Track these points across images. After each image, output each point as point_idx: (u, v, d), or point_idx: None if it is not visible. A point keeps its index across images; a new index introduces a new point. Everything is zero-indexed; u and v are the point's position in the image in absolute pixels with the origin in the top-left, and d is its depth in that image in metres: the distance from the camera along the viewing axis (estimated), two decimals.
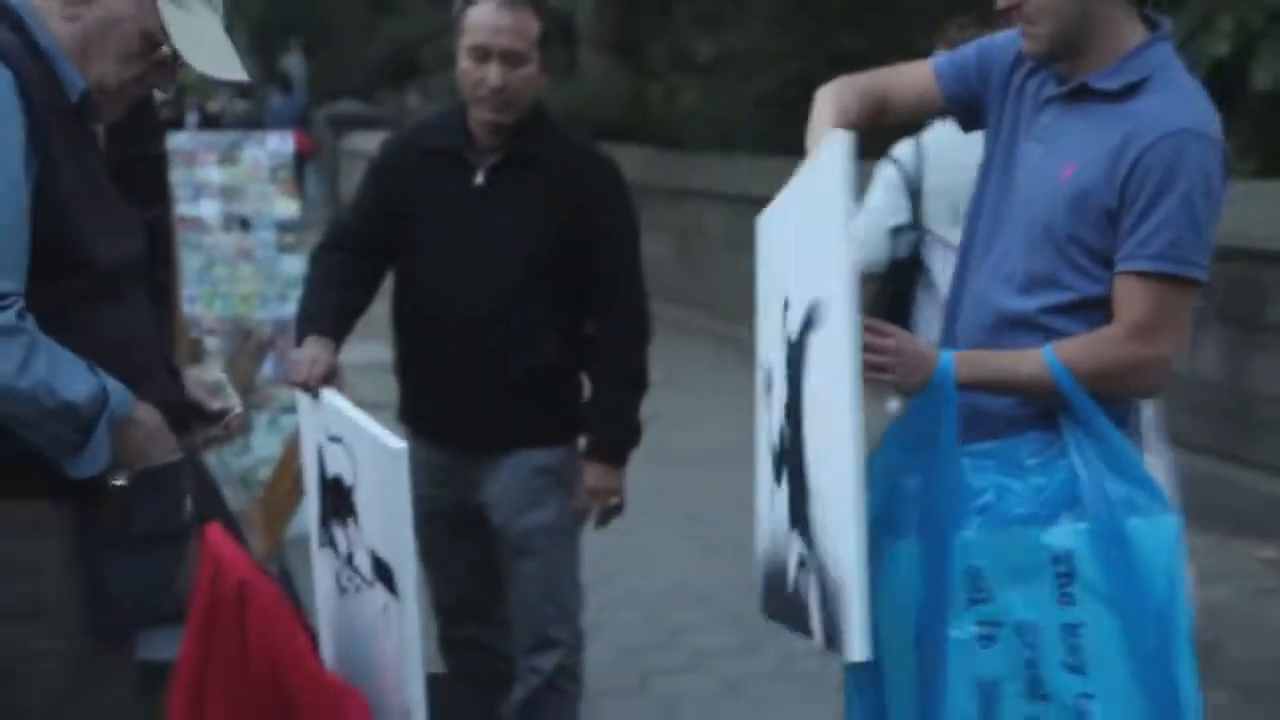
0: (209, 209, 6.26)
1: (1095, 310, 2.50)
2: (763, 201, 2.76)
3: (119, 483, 2.32)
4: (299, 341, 3.40)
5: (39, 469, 2.28)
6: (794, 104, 13.24)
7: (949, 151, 4.41)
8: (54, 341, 2.23)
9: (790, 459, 2.43)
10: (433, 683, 2.88)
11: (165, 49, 2.41)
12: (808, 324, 2.31)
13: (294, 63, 23.88)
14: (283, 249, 6.35)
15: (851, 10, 11.74)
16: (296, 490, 4.55)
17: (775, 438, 2.52)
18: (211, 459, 4.56)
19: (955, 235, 3.84)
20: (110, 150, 2.62)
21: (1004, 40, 2.72)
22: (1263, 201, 6.69)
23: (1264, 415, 6.27)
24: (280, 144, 6.43)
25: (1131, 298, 2.46)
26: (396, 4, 26.60)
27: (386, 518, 2.81)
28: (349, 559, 3.07)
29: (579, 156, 3.61)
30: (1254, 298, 6.31)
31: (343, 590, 3.16)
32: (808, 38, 12.62)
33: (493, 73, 3.41)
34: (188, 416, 2.66)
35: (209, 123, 15.81)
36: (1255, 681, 4.59)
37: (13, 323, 2.16)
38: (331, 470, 3.10)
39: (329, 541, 3.19)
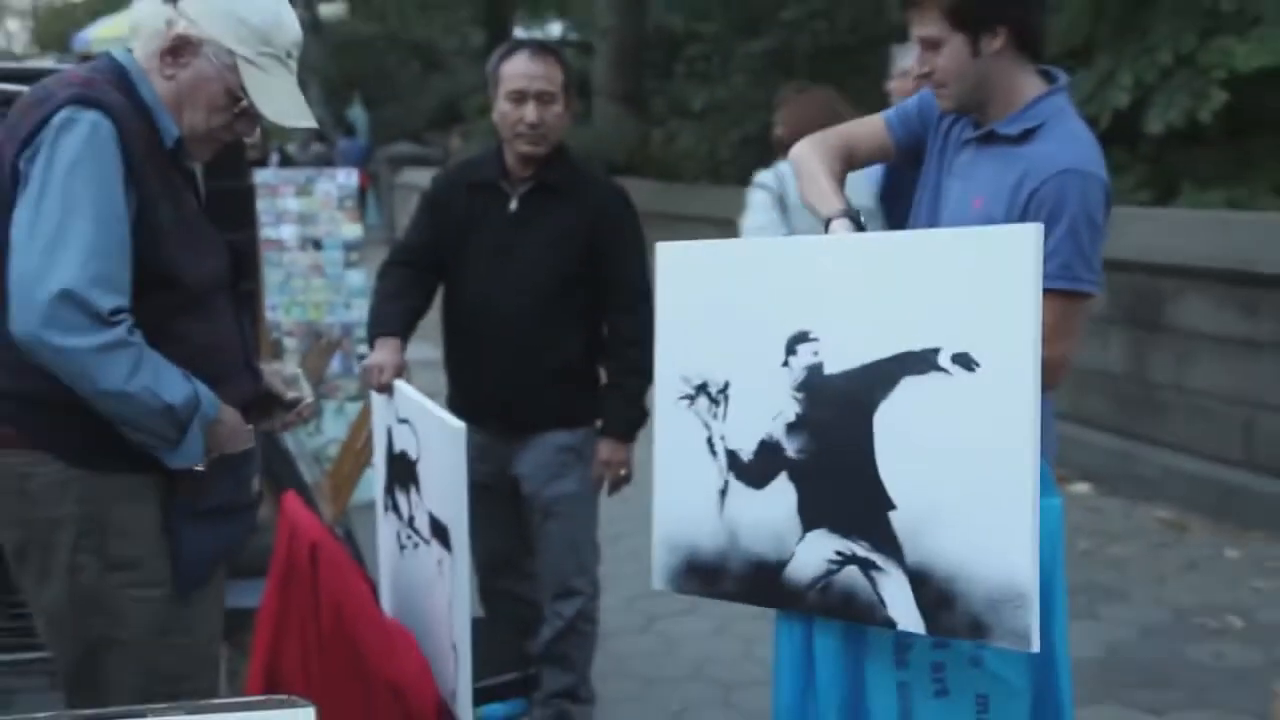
0: (288, 232, 6.32)
1: None
2: None
3: (196, 467, 2.35)
4: (371, 343, 3.45)
5: (133, 448, 2.31)
6: (771, 145, 13.23)
7: None
8: (154, 351, 2.25)
9: (800, 468, 2.32)
10: (475, 625, 2.86)
11: (245, 102, 2.40)
12: (922, 363, 2.18)
13: (356, 113, 23.84)
14: (348, 265, 6.45)
15: (817, 68, 11.71)
16: (359, 466, 4.53)
17: (751, 444, 2.39)
18: (289, 438, 4.53)
19: None
20: (207, 183, 2.61)
21: None
22: (1157, 225, 6.65)
23: (1161, 400, 6.24)
24: (346, 179, 6.50)
25: (1050, 311, 2.43)
26: (444, 64, 26.61)
27: (445, 485, 2.84)
28: (410, 521, 3.09)
29: (597, 187, 3.62)
30: (1152, 303, 6.28)
31: (403, 548, 3.17)
32: (782, 91, 12.60)
33: (529, 111, 3.42)
34: (268, 405, 2.68)
35: (287, 161, 15.86)
36: (1154, 620, 4.56)
37: (124, 336, 2.19)
38: (399, 447, 3.14)
39: (393, 507, 3.21)
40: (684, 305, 2.49)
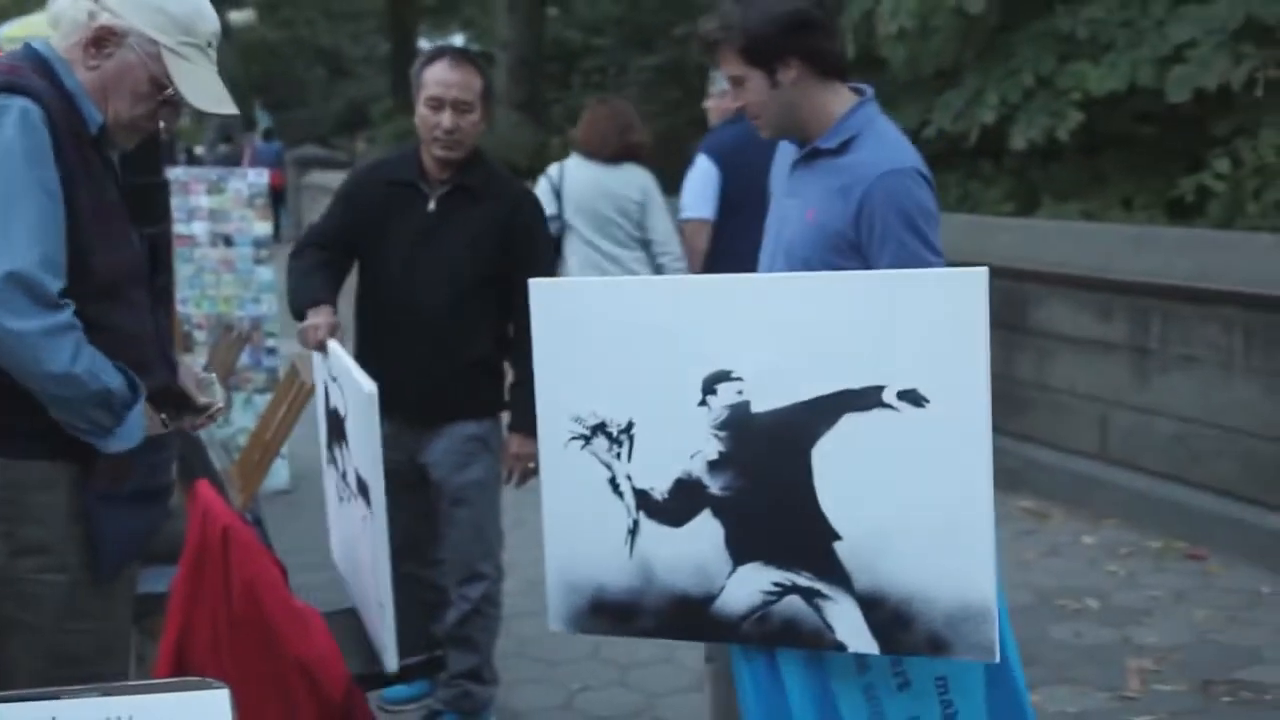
0: (199, 228, 6.19)
1: None
2: None
3: (112, 452, 2.25)
4: (299, 316, 3.36)
5: (49, 435, 2.21)
6: (663, 155, 13.24)
7: (578, 170, 5.58)
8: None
9: (726, 504, 2.25)
10: None
11: (169, 91, 2.33)
12: (863, 400, 2.12)
13: (260, 117, 23.46)
14: (258, 261, 6.34)
15: (706, 81, 11.73)
16: (267, 456, 4.42)
17: (665, 483, 2.29)
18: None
19: (593, 236, 5.46)
20: (124, 176, 2.51)
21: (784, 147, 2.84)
22: (1020, 234, 6.76)
23: (1023, 396, 6.33)
24: (257, 178, 6.37)
25: None
26: (350, 70, 26.27)
27: (363, 443, 2.83)
28: (343, 475, 3.12)
29: (510, 190, 3.57)
30: (1016, 307, 6.38)
31: (340, 499, 3.20)
32: (672, 103, 12.62)
33: (445, 118, 3.37)
34: (180, 402, 2.57)
35: (194, 162, 15.58)
36: (1019, 602, 4.62)
37: (70, 319, 2.12)
38: (332, 403, 3.18)
39: (332, 460, 3.26)
40: (565, 345, 2.36)
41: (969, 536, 2.10)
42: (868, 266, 2.56)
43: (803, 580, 2.21)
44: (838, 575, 2.18)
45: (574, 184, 5.56)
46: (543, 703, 3.97)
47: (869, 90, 2.68)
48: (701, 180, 5.25)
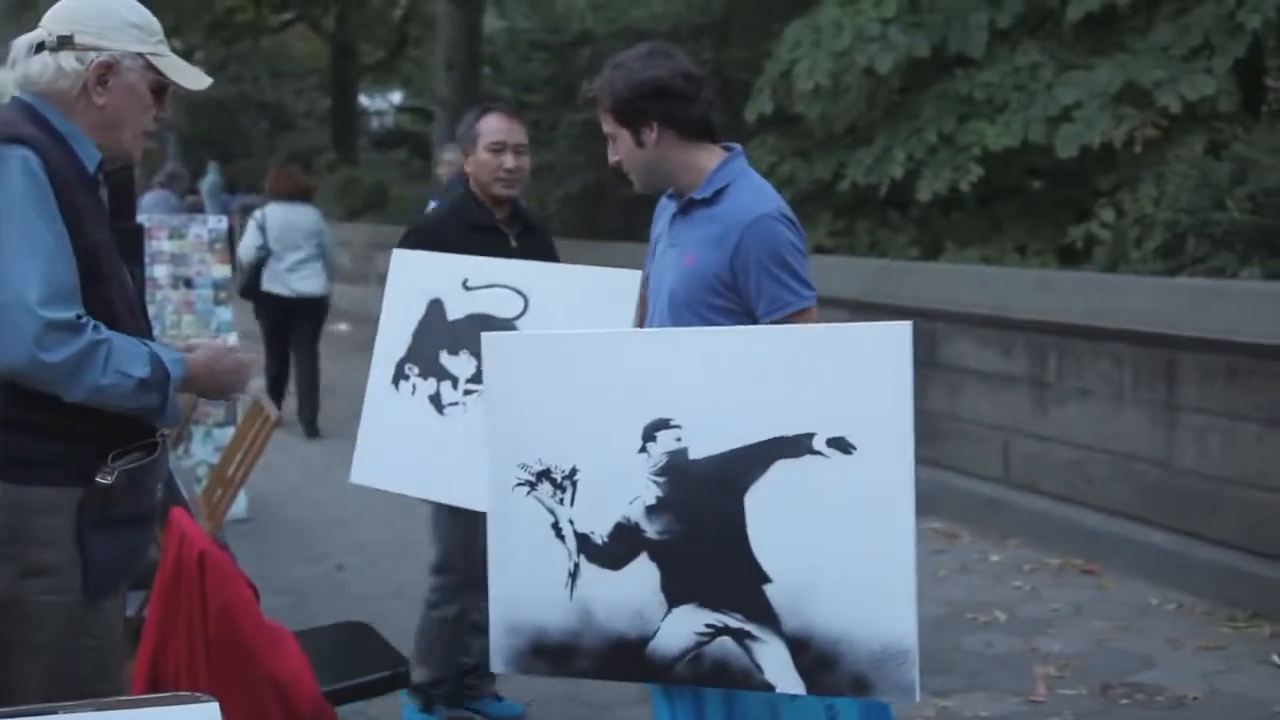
0: (161, 271, 6.13)
1: None
2: None
3: (103, 481, 2.24)
4: None
5: (55, 463, 2.20)
6: (591, 203, 13.26)
7: (279, 213, 8.09)
8: (116, 334, 2.19)
9: (662, 548, 2.25)
10: (349, 628, 2.74)
11: (167, 91, 2.37)
12: (795, 447, 2.15)
13: (213, 170, 23.18)
14: (217, 302, 6.26)
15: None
16: (231, 488, 4.38)
17: (605, 527, 2.29)
18: (170, 457, 4.37)
19: (285, 254, 7.79)
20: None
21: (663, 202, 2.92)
22: (928, 277, 6.90)
23: (934, 427, 6.44)
24: (216, 224, 6.32)
25: None
26: (293, 124, 26.08)
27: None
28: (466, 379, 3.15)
29: (538, 224, 3.87)
30: (927, 344, 6.49)
31: (442, 409, 3.19)
32: (599, 156, 12.68)
33: (509, 159, 3.62)
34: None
35: (193, 193, 15.46)
36: (934, 615, 4.69)
37: (94, 336, 2.14)
38: (467, 310, 3.20)
39: (425, 372, 3.23)
40: (515, 395, 2.35)
41: (893, 579, 2.10)
42: (743, 305, 2.63)
43: (734, 622, 2.20)
44: (767, 617, 2.17)
45: (274, 222, 8.03)
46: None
47: (738, 148, 2.78)
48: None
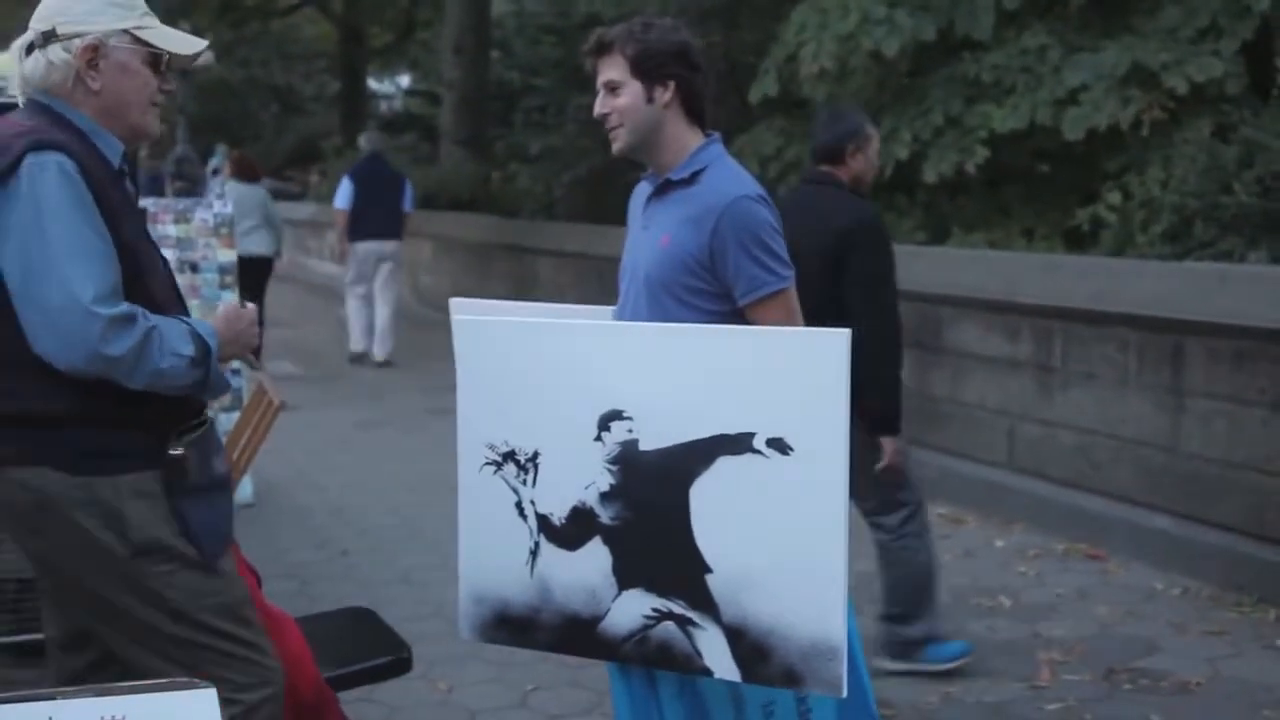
0: (166, 256, 6.08)
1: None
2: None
3: (176, 452, 2.30)
4: None
5: (130, 452, 2.27)
6: (598, 187, 13.21)
7: (236, 190, 9.44)
8: (158, 317, 2.22)
9: (614, 533, 2.32)
10: (355, 613, 2.73)
11: (164, 60, 2.36)
12: (737, 445, 2.20)
13: (221, 152, 23.22)
14: (223, 286, 6.21)
15: None
16: (235, 475, 4.35)
17: (563, 510, 2.36)
18: None
19: (242, 223, 7.40)
20: None
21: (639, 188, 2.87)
22: (933, 261, 6.85)
23: (939, 411, 6.42)
24: (222, 208, 6.26)
25: (765, 318, 2.58)
26: (302, 107, 26.04)
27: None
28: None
29: None
30: (931, 328, 6.46)
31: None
32: (605, 139, 12.62)
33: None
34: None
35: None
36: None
37: (147, 325, 2.18)
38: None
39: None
40: (484, 377, 2.42)
41: (824, 578, 2.16)
42: (720, 286, 2.61)
43: (677, 608, 2.28)
44: (708, 605, 2.25)
45: (232, 195, 8.49)
46: (497, 702, 3.95)
47: (717, 135, 2.77)
48: (343, 189, 10.45)
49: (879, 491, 3.94)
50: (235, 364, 6.12)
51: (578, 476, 2.33)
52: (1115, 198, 7.23)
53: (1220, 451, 5.00)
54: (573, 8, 13.56)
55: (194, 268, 6.08)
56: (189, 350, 2.24)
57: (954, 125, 8.22)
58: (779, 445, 2.17)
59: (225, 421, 5.89)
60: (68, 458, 2.24)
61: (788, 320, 2.59)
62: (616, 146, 2.70)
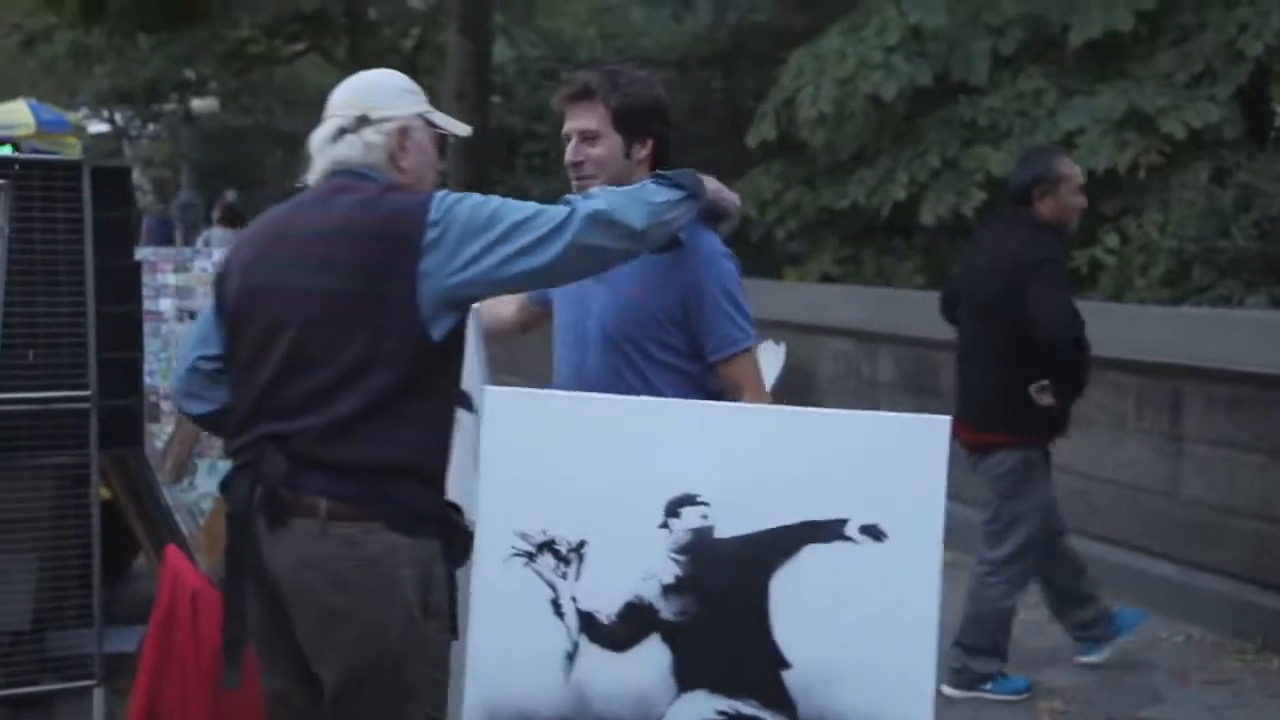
0: (165, 305, 6.11)
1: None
2: None
3: (465, 523, 2.31)
4: None
5: (433, 517, 2.28)
6: None
7: (220, 235, 9.82)
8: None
9: (677, 630, 2.14)
10: None
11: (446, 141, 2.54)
12: (826, 532, 2.10)
13: (231, 198, 23.38)
14: None
15: None
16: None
17: (613, 606, 2.16)
18: (167, 493, 4.34)
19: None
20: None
21: None
22: (933, 306, 6.84)
23: None
24: (221, 257, 6.29)
25: (736, 374, 2.54)
26: (304, 153, 26.24)
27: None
28: None
29: None
30: (930, 373, 6.46)
31: None
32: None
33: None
34: None
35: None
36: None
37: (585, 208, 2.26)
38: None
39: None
40: (517, 457, 2.19)
41: (914, 671, 2.06)
42: (692, 345, 2.55)
43: (747, 709, 2.12)
44: (784, 705, 2.10)
45: (216, 240, 9.29)
46: None
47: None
48: None
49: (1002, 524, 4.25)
50: None
51: (634, 568, 2.13)
52: (1113, 241, 7.26)
53: (1220, 497, 4.98)
54: (573, 53, 13.71)
55: (193, 316, 6.10)
56: (659, 196, 2.32)
57: (951, 167, 8.28)
58: (873, 532, 2.06)
59: (222, 468, 5.89)
60: (400, 517, 2.22)
61: (755, 377, 2.56)
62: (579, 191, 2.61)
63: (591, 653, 2.16)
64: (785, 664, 2.10)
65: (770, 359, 3.04)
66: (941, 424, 2.08)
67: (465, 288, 2.24)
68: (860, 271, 8.91)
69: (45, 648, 3.68)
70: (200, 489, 5.95)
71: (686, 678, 2.13)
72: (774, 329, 5.87)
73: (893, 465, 2.07)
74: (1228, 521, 4.95)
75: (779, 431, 2.16)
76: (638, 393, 2.48)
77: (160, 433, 5.83)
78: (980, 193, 8.00)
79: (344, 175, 2.35)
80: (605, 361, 2.58)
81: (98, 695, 3.59)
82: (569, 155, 2.63)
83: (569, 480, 2.17)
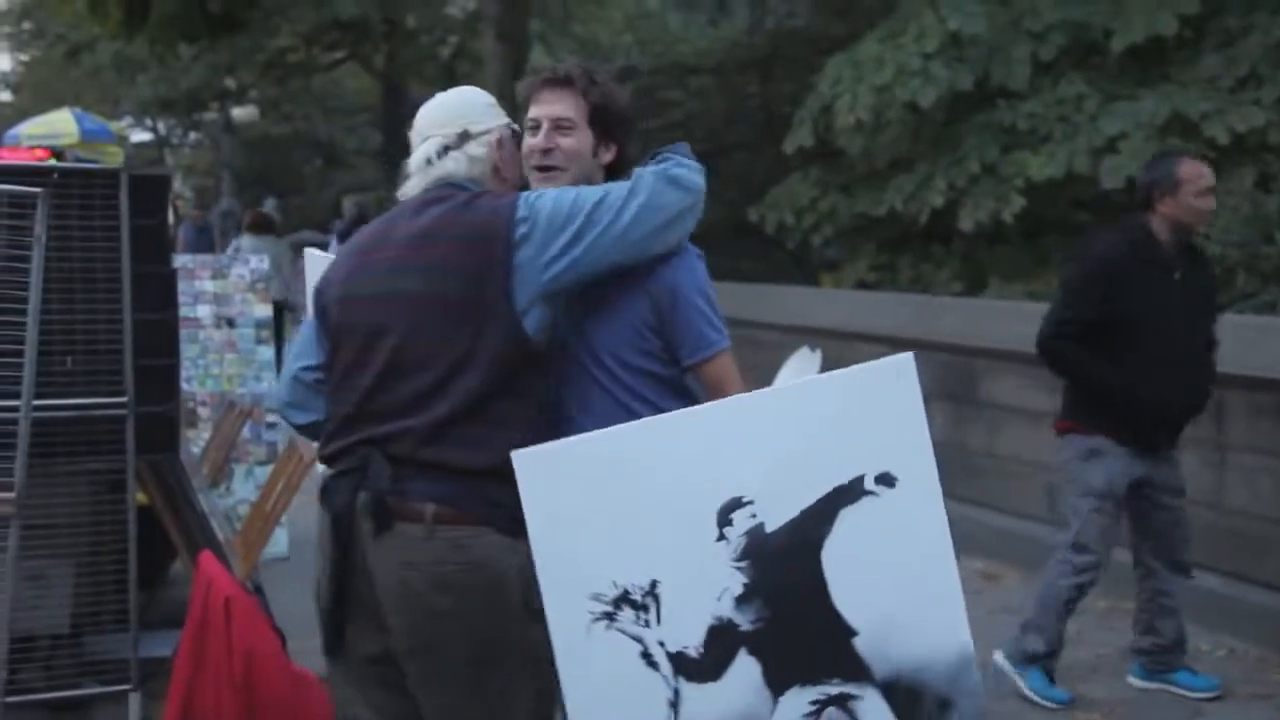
0: (203, 311, 6.18)
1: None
2: None
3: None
4: None
5: (523, 522, 2.16)
6: None
7: (250, 242, 10.28)
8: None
9: (758, 638, 2.14)
10: None
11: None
12: (853, 493, 2.15)
13: (270, 205, 23.56)
14: (259, 341, 6.29)
15: None
16: (269, 527, 4.38)
17: (699, 636, 2.12)
18: (203, 499, 4.37)
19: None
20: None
21: None
22: (969, 313, 6.82)
23: (976, 465, 6.35)
24: (258, 264, 6.36)
25: (715, 376, 2.44)
26: (344, 160, 26.41)
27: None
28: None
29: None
30: (967, 381, 6.41)
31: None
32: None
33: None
34: None
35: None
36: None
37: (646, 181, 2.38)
38: None
39: None
40: (565, 517, 2.11)
41: (948, 596, 2.16)
42: (667, 349, 2.45)
43: (834, 689, 2.16)
44: (861, 672, 2.16)
45: (247, 246, 9.77)
46: None
47: None
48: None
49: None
50: (271, 417, 6.18)
51: (708, 590, 2.11)
52: None
53: (1265, 507, 4.91)
54: (609, 60, 13.72)
55: (230, 323, 6.16)
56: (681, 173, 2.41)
57: (990, 173, 8.21)
58: (886, 479, 2.15)
59: (261, 474, 5.93)
60: (504, 520, 2.23)
61: (736, 374, 2.49)
62: (535, 182, 2.52)
63: (692, 693, 2.11)
64: (853, 631, 2.16)
65: (807, 366, 3.00)
66: (906, 360, 2.17)
67: (559, 277, 2.32)
68: (897, 278, 8.86)
69: (83, 651, 3.72)
70: (237, 494, 6.02)
71: (778, 682, 2.15)
72: (810, 335, 5.85)
73: (880, 412, 2.17)
74: (1273, 533, 4.87)
75: (783, 411, 2.21)
76: (624, 405, 2.40)
77: (197, 438, 5.89)
78: (1020, 198, 7.93)
79: (442, 188, 2.42)
80: (590, 377, 2.46)
81: (134, 699, 3.62)
82: (539, 141, 2.49)
83: (621, 523, 2.11)
